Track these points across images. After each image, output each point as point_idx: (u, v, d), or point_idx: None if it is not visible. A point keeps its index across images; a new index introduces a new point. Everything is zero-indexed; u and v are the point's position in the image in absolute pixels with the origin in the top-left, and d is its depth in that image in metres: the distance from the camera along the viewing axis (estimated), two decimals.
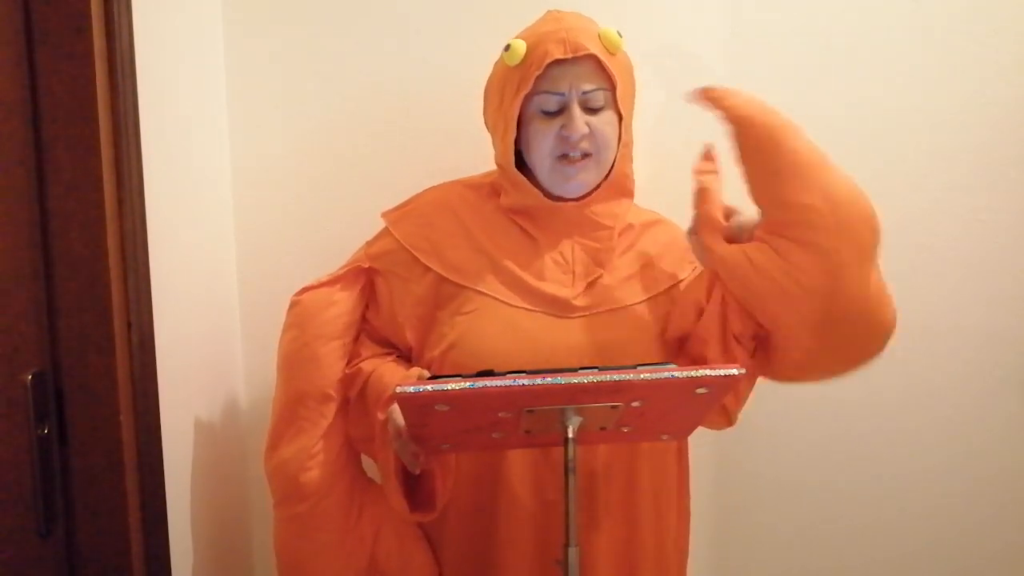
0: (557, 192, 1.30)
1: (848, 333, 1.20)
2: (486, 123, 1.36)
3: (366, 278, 1.37)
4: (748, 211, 1.22)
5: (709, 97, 1.21)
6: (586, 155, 1.27)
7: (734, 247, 1.20)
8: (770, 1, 1.57)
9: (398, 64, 1.56)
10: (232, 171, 1.57)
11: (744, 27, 1.57)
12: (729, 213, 1.24)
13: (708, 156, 1.27)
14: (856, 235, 1.16)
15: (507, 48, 1.27)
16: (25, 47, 1.06)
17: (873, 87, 1.58)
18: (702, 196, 1.24)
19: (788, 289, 1.16)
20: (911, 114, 1.58)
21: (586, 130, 1.25)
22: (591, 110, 1.26)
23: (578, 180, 1.28)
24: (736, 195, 1.23)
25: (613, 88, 1.26)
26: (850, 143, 1.58)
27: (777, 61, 1.57)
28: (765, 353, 1.27)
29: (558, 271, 1.30)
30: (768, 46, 1.57)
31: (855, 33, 1.57)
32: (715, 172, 1.26)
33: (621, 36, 1.27)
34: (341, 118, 1.57)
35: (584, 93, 1.25)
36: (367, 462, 1.40)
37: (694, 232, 1.24)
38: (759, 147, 1.18)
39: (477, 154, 1.39)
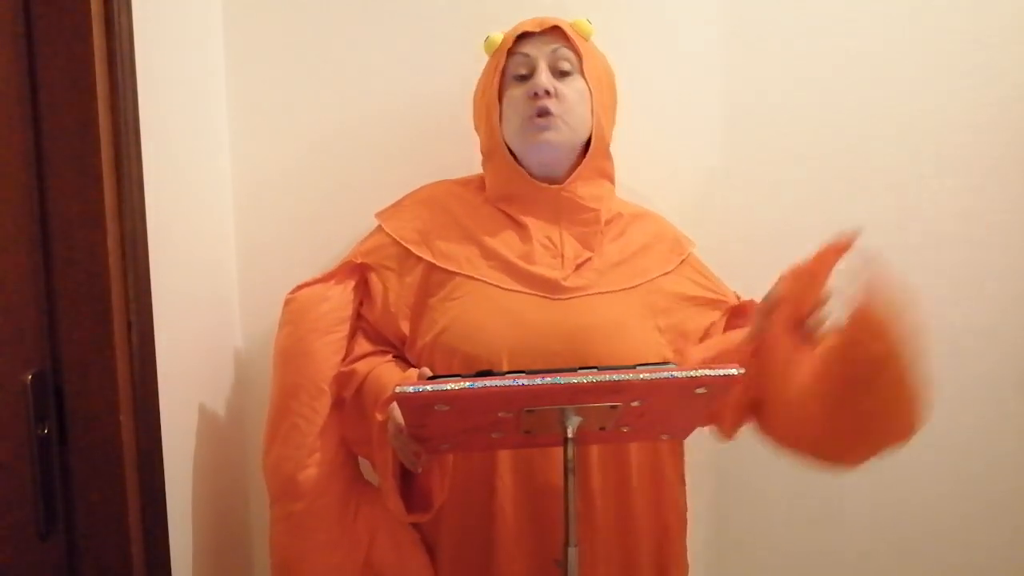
0: (529, 156, 1.32)
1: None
2: (475, 119, 1.40)
3: (359, 275, 1.38)
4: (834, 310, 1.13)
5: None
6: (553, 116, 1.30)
7: (790, 363, 1.15)
8: (770, 1, 1.57)
9: (400, 66, 1.56)
10: (232, 170, 1.57)
11: (743, 27, 1.57)
12: (817, 304, 1.14)
13: (839, 248, 1.13)
14: (907, 428, 1.14)
15: (487, 40, 1.34)
16: (25, 47, 1.06)
17: (873, 87, 1.58)
18: (801, 276, 1.14)
19: (820, 432, 1.17)
20: (911, 114, 1.58)
21: (550, 85, 1.29)
22: (561, 73, 1.31)
23: (545, 138, 1.30)
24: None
25: (581, 59, 1.31)
26: (850, 143, 1.59)
27: (775, 62, 1.57)
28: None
29: (547, 255, 1.31)
30: (768, 46, 1.57)
31: (855, 33, 1.57)
32: (832, 265, 1.14)
33: (591, 23, 1.34)
34: (342, 118, 1.57)
35: (551, 51, 1.30)
36: (364, 465, 1.40)
37: (769, 304, 1.15)
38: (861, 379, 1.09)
39: (479, 158, 1.39)
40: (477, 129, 1.39)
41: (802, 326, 1.15)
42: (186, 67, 1.42)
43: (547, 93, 1.28)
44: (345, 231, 1.54)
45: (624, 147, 1.39)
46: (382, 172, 1.57)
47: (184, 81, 1.40)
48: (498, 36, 1.34)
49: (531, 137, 1.30)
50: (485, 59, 1.37)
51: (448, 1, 1.55)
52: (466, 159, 1.42)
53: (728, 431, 1.32)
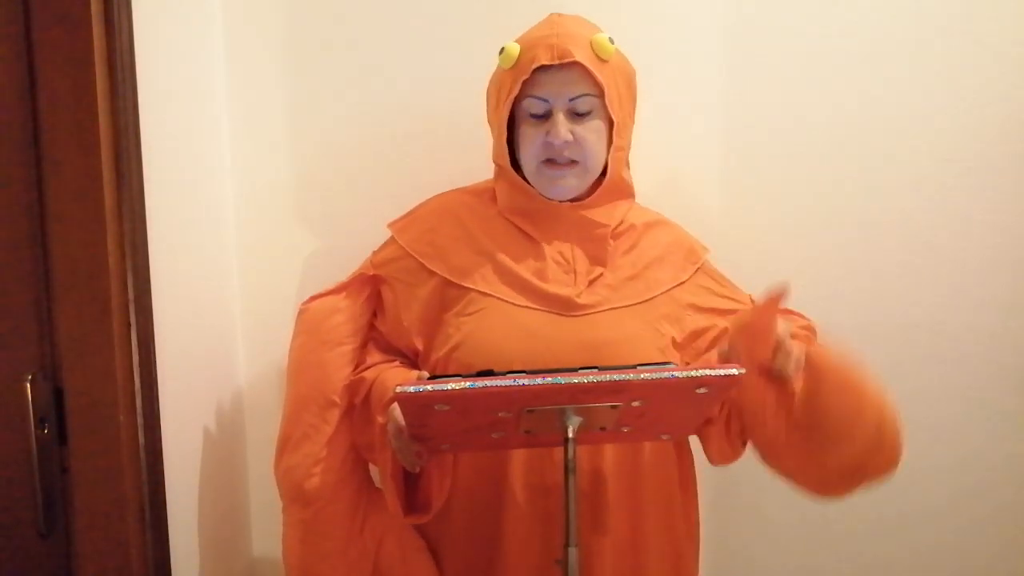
0: (545, 194, 1.32)
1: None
2: (489, 123, 1.38)
3: (372, 286, 1.38)
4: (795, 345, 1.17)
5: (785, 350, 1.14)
6: (572, 162, 1.28)
7: (768, 395, 1.20)
8: (770, 1, 1.57)
9: (403, 67, 1.56)
10: (232, 171, 1.57)
11: (743, 27, 1.56)
12: (779, 345, 1.16)
13: (774, 300, 1.14)
14: (889, 466, 1.23)
15: (502, 51, 1.29)
16: (25, 47, 1.06)
17: (873, 87, 1.58)
18: (747, 329, 1.17)
19: (803, 468, 1.24)
20: (911, 114, 1.58)
21: (569, 138, 1.26)
22: (578, 116, 1.27)
23: (562, 184, 1.30)
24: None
25: (602, 95, 1.27)
26: (850, 143, 1.59)
27: (777, 61, 1.57)
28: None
29: (560, 271, 1.30)
30: (768, 46, 1.57)
31: (855, 33, 1.57)
32: (774, 314, 1.15)
33: (613, 43, 1.28)
34: (342, 117, 1.57)
35: (570, 100, 1.26)
36: (375, 473, 1.40)
37: (737, 340, 1.18)
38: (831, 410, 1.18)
39: (485, 163, 1.39)
40: (489, 124, 1.38)
41: (770, 370, 1.18)
42: (186, 67, 1.42)
43: (564, 143, 1.26)
44: (345, 229, 1.54)
45: (635, 148, 1.38)
46: (383, 172, 1.57)
47: (184, 81, 1.40)
48: (514, 48, 1.27)
49: (547, 182, 1.30)
50: (492, 62, 1.33)
51: (452, 2, 1.55)
52: (473, 164, 1.41)
53: (715, 457, 1.35)
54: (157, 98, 1.22)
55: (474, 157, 1.40)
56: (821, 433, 1.19)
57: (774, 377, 1.18)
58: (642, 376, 1.04)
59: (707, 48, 1.57)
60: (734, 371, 1.05)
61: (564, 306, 1.28)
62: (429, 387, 1.03)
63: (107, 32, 1.09)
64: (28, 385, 1.07)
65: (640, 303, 1.30)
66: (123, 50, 1.11)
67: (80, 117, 1.07)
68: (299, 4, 1.54)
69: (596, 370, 1.04)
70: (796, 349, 1.17)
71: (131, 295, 1.13)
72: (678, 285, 1.34)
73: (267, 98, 1.56)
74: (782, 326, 1.16)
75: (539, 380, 1.02)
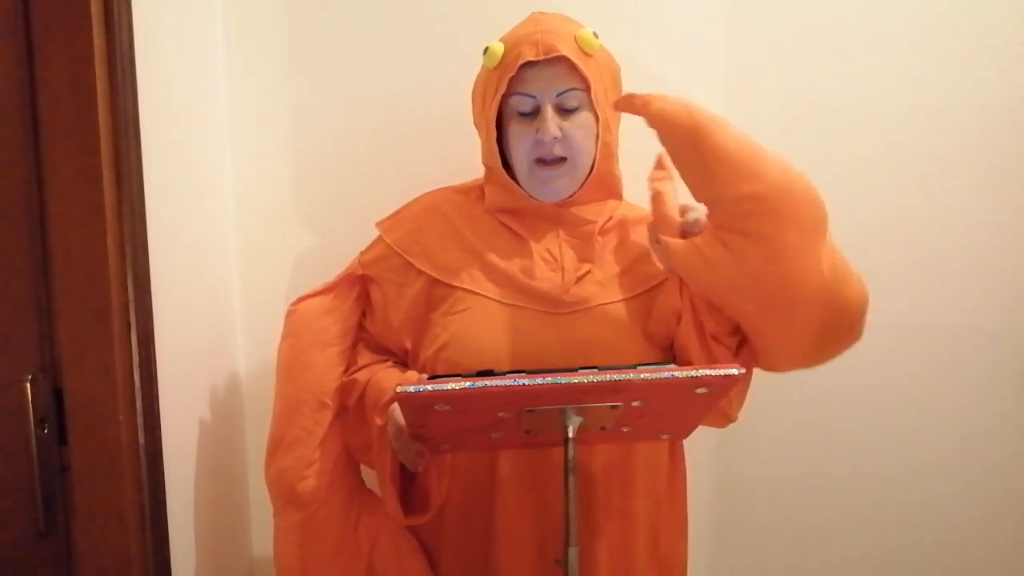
0: (536, 197, 1.31)
1: (813, 317, 1.16)
2: (475, 124, 1.38)
3: (361, 286, 1.38)
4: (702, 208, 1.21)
5: (632, 104, 1.18)
6: (561, 159, 1.27)
7: (686, 242, 1.18)
8: (770, 1, 1.57)
9: (402, 66, 1.56)
10: (232, 170, 1.57)
11: (743, 28, 1.57)
12: (684, 211, 1.22)
13: (660, 164, 1.27)
14: (796, 217, 1.13)
15: (486, 51, 1.29)
16: (25, 47, 1.06)
17: (873, 87, 1.58)
18: (657, 199, 1.23)
19: (740, 281, 1.15)
20: (911, 114, 1.58)
21: (558, 133, 1.25)
22: (566, 111, 1.27)
23: (554, 185, 1.29)
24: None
25: (588, 89, 1.27)
26: (850, 143, 1.59)
27: (777, 61, 1.57)
28: (749, 347, 1.25)
29: (547, 268, 1.30)
30: (768, 46, 1.57)
31: (855, 33, 1.57)
32: (669, 178, 1.25)
33: (597, 37, 1.28)
34: (342, 117, 1.57)
35: (557, 95, 1.26)
36: (367, 473, 1.40)
37: (654, 238, 1.23)
38: (686, 147, 1.15)
39: (480, 164, 1.39)
40: (476, 126, 1.39)
41: (685, 229, 1.20)
42: (186, 67, 1.42)
43: (554, 139, 1.26)
44: (346, 228, 1.54)
45: (622, 146, 1.39)
46: (383, 170, 1.57)
47: (184, 81, 1.40)
48: (498, 48, 1.28)
49: (540, 184, 1.29)
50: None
51: (454, 3, 1.55)
52: (468, 161, 1.42)
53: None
54: (157, 98, 1.22)
55: (475, 157, 1.40)
56: (740, 199, 1.12)
57: (694, 230, 1.18)
58: (642, 376, 1.04)
59: (707, 48, 1.57)
60: (734, 371, 1.05)
61: (551, 303, 1.27)
62: (429, 387, 1.03)
63: (107, 32, 1.09)
64: (28, 385, 1.07)
65: (630, 298, 1.30)
66: (123, 50, 1.11)
67: (80, 117, 1.07)
68: (299, 5, 1.55)
69: (596, 370, 1.04)
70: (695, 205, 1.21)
71: (131, 295, 1.13)
72: (669, 279, 1.33)
73: (267, 98, 1.56)
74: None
75: (539, 380, 1.02)
